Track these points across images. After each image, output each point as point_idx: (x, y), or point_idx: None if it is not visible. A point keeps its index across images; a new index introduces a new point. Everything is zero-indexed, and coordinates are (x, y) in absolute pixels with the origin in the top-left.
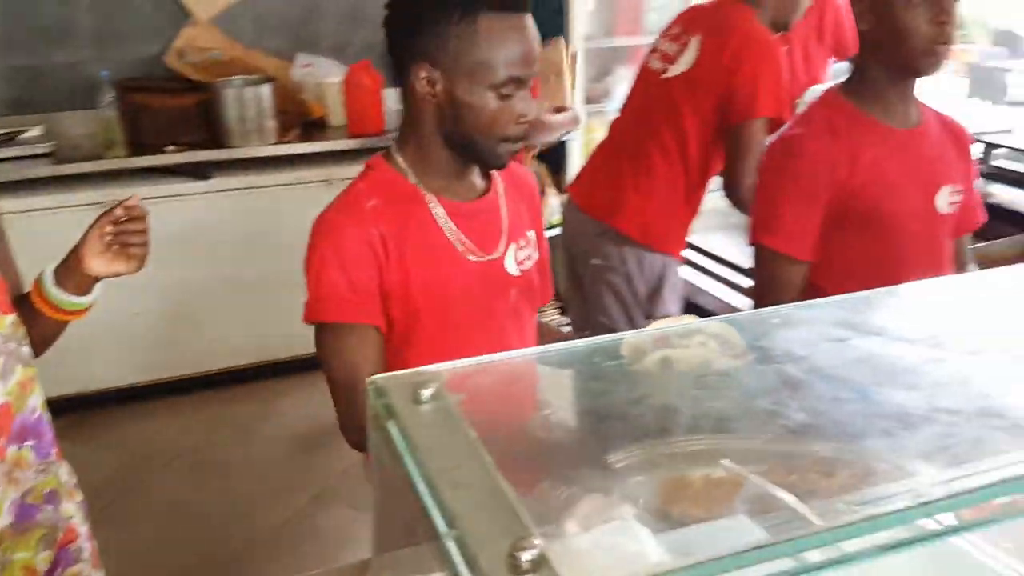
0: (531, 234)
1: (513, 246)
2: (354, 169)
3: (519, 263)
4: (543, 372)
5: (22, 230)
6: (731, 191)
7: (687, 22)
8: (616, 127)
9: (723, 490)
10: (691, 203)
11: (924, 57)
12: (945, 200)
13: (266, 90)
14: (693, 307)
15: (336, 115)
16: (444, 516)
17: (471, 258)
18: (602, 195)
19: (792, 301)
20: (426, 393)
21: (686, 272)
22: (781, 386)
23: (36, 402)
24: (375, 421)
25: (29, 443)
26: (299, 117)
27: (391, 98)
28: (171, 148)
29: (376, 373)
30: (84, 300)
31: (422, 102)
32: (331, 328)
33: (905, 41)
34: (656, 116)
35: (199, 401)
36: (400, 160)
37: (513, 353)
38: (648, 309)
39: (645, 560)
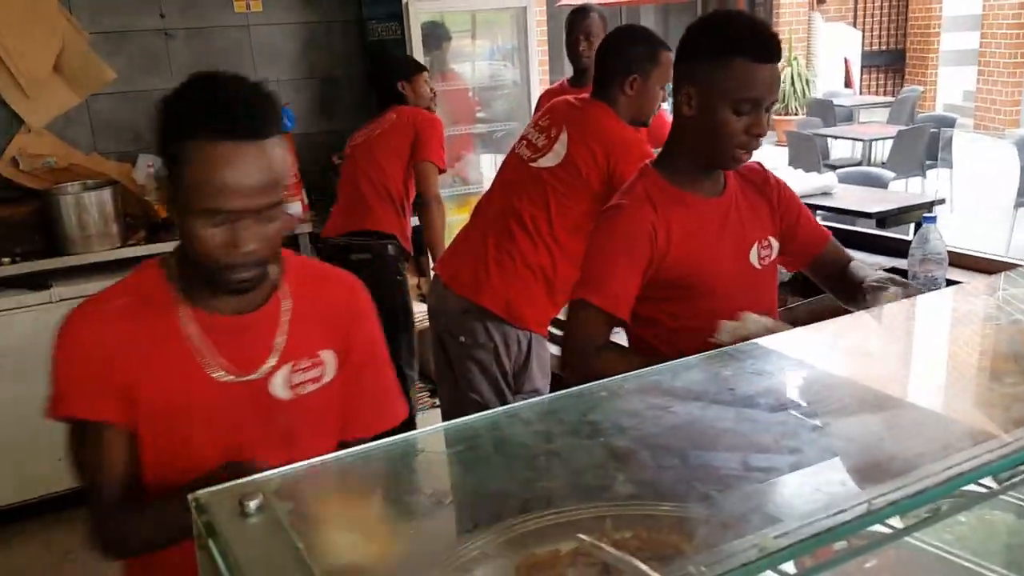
0: (326, 354)
1: (287, 367)
2: None
3: (294, 386)
4: (381, 468)
5: None
6: None
7: (554, 115)
8: (482, 207)
9: (582, 564)
10: (557, 284)
11: (729, 160)
12: (756, 256)
13: (107, 194)
14: (558, 379)
15: None
16: None
17: (220, 376)
18: (467, 272)
19: (594, 352)
20: (252, 505)
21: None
22: (610, 458)
23: None
24: (199, 540)
25: None
26: (145, 219)
27: None
28: (6, 260)
29: (119, 473)
30: None
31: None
32: (71, 426)
33: (719, 141)
34: (523, 200)
35: (46, 525)
36: (173, 264)
37: (351, 451)
38: (516, 384)
39: None
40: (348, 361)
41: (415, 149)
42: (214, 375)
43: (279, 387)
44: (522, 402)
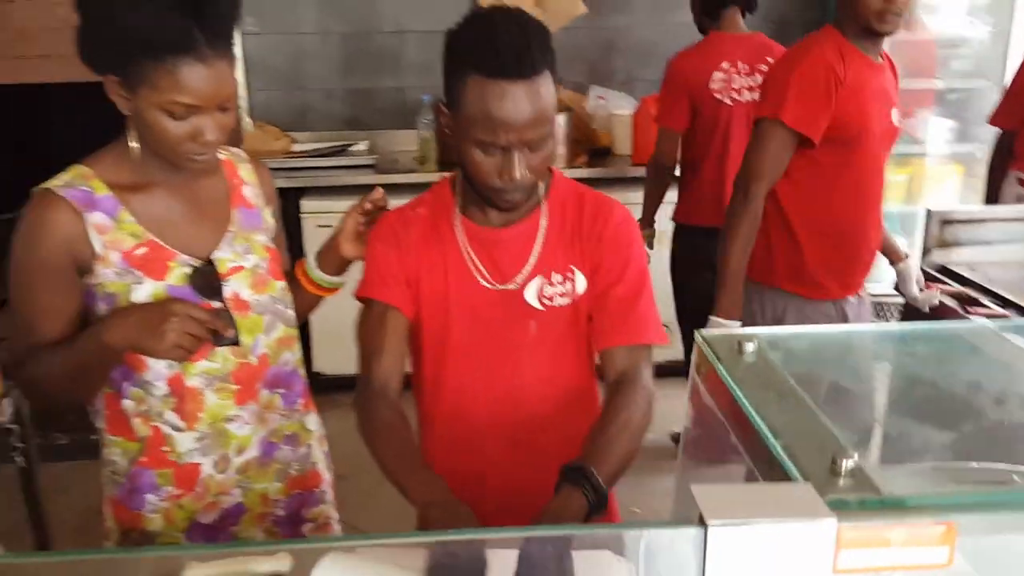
0: (575, 271)
1: (539, 279)
2: (634, 195)
3: (545, 297)
4: (852, 347)
5: None
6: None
7: None
8: None
9: None
10: (789, 237)
11: None
12: None
13: (562, 119)
14: None
15: (622, 144)
16: (772, 432)
17: (481, 281)
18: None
19: None
20: (749, 347)
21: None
22: None
23: (291, 358)
24: (702, 365)
25: (279, 391)
26: (588, 144)
27: None
28: None
29: (388, 351)
30: (337, 280)
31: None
32: (364, 306)
33: None
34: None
35: None
36: (458, 179)
37: (832, 327)
38: None
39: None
40: (595, 280)
41: None
42: (477, 279)
43: (532, 297)
44: None
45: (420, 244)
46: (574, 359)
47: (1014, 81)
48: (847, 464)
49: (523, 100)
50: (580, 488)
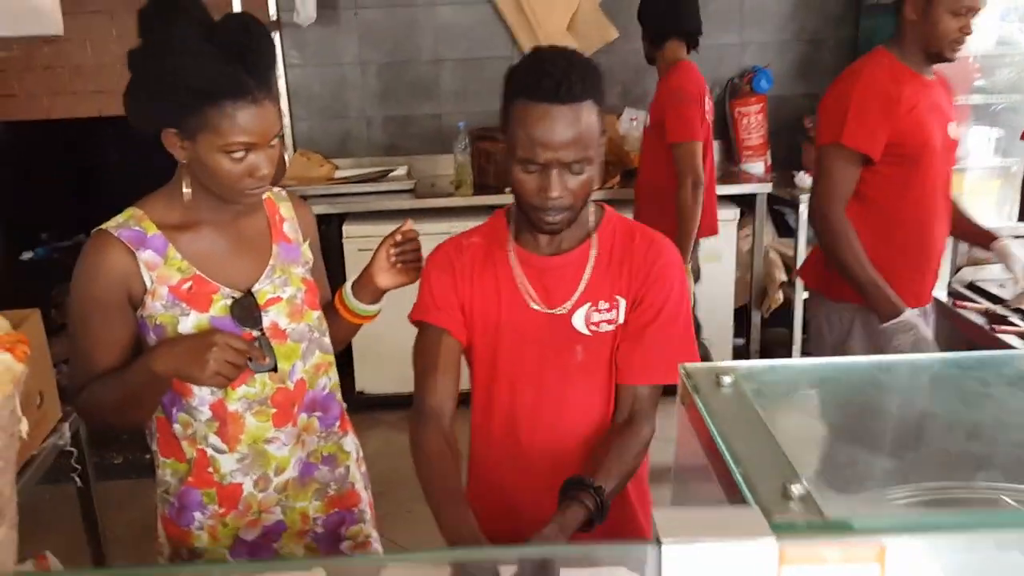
0: (620, 300)
1: (587, 306)
2: None
3: (592, 323)
4: (828, 380)
5: None
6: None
7: None
8: None
9: None
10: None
11: None
12: None
13: None
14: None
15: None
16: (733, 460)
17: (532, 305)
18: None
19: None
20: (726, 380)
21: None
22: None
23: (327, 383)
24: (684, 397)
25: (317, 414)
26: (621, 166)
27: None
28: (509, 190)
29: (441, 373)
30: (372, 308)
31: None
32: (420, 329)
33: None
34: None
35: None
36: (513, 209)
37: (807, 360)
38: None
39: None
40: (635, 311)
41: None
42: (528, 303)
43: (580, 322)
44: None
45: (474, 270)
46: (612, 388)
47: None
48: (797, 490)
49: (562, 123)
50: (583, 500)
